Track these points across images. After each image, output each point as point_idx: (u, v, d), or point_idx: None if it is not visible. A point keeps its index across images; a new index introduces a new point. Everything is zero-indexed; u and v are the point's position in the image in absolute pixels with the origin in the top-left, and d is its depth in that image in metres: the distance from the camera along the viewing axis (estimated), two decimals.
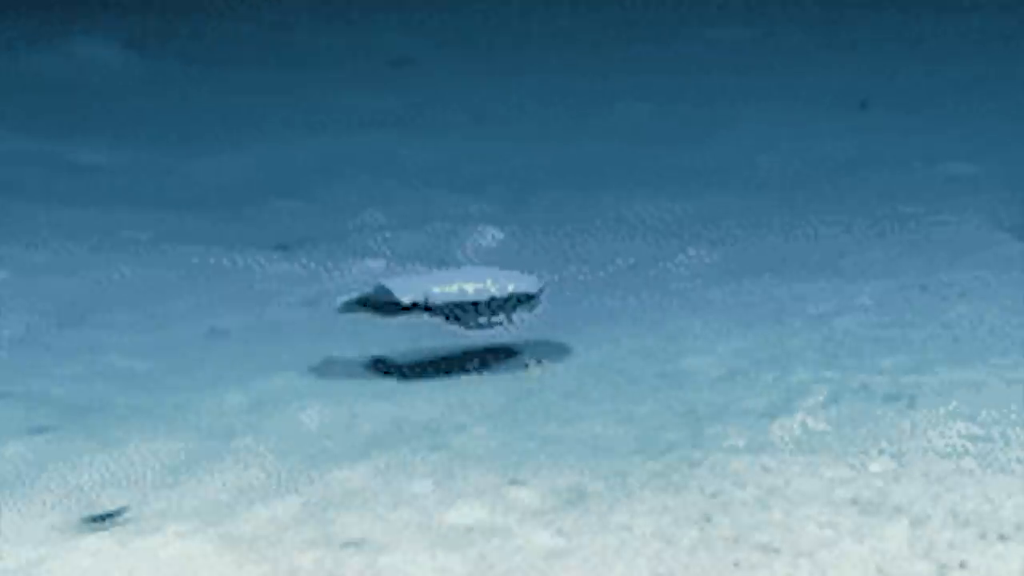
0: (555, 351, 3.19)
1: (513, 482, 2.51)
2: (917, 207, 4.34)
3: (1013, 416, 2.78)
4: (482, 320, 3.26)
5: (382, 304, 3.19)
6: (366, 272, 3.80)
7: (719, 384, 3.02)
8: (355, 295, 3.23)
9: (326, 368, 3.12)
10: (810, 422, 2.79)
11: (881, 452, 2.63)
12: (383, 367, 3.12)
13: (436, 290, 3.19)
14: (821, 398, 2.91)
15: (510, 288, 3.24)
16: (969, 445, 2.66)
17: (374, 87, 6.10)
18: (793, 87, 5.92)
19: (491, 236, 4.12)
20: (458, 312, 3.22)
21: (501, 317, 3.27)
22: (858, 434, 2.72)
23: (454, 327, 3.23)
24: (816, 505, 2.41)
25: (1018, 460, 2.58)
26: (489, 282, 3.24)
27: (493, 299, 3.22)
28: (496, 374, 3.08)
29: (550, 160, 4.99)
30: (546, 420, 2.83)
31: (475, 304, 3.22)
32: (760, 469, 2.57)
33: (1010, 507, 2.37)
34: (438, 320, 3.22)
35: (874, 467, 2.57)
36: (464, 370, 3.10)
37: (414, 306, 3.18)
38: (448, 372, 3.10)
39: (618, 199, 4.49)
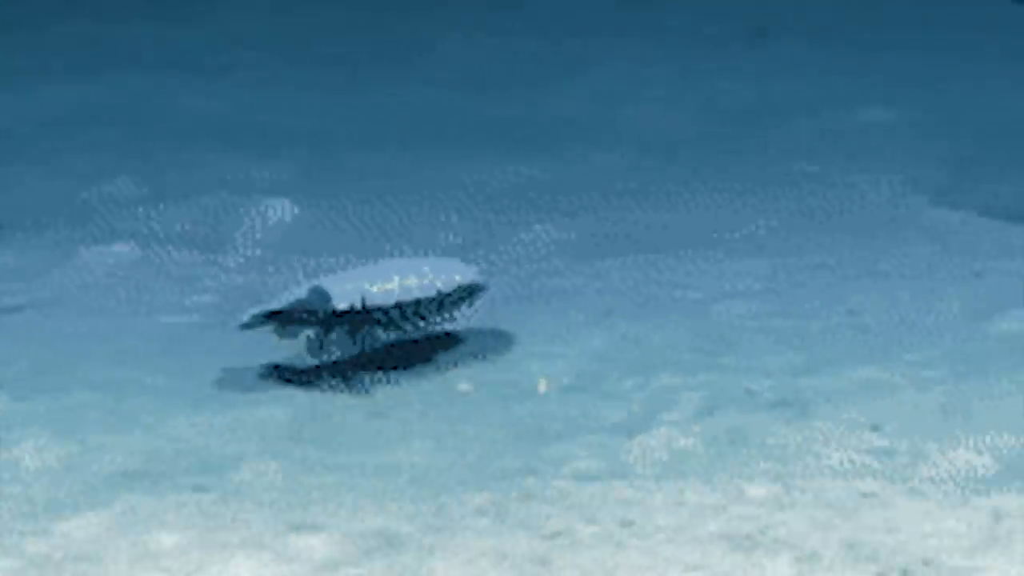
0: (354, 359, 3.22)
1: (299, 528, 2.53)
2: (821, 165, 4.48)
3: (927, 425, 2.91)
4: (429, 322, 3.27)
5: (303, 315, 3.16)
6: (111, 261, 3.78)
7: (568, 394, 3.09)
8: (268, 306, 3.17)
9: (51, 387, 3.10)
10: (677, 439, 2.87)
11: (763, 474, 2.72)
12: (134, 382, 3.11)
13: (373, 289, 3.18)
14: (692, 408, 3.00)
15: (457, 279, 3.26)
16: (871, 462, 2.77)
17: (143, 18, 6.03)
18: (669, 17, 6.04)
19: (281, 211, 4.12)
20: (397, 315, 3.22)
21: (445, 316, 3.29)
22: (736, 452, 2.82)
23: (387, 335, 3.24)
24: (681, 542, 2.49)
25: (930, 480, 2.70)
26: (429, 274, 3.25)
27: (441, 295, 3.24)
28: (286, 388, 3.10)
29: (361, 113, 5.01)
30: (346, 447, 2.86)
31: (417, 303, 3.22)
32: (613, 499, 2.64)
33: (917, 538, 2.48)
34: (365, 330, 3.23)
35: (753, 493, 2.66)
36: (243, 385, 3.11)
37: (349, 312, 3.16)
38: (223, 386, 3.10)
39: (445, 161, 4.54)
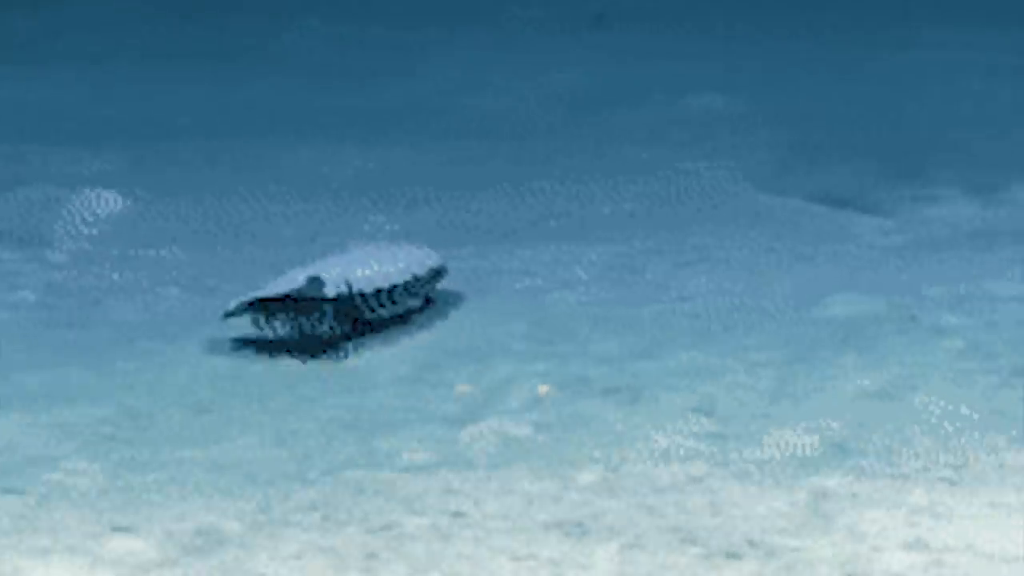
0: (178, 349, 3.17)
1: (119, 529, 2.47)
2: (658, 151, 4.51)
3: (756, 408, 2.93)
4: (400, 304, 3.32)
5: (292, 303, 3.16)
6: None
7: (401, 385, 3.06)
8: (253, 294, 3.16)
9: None
10: (510, 428, 2.86)
11: (594, 460, 2.72)
12: None
13: (358, 273, 3.25)
14: (525, 396, 2.99)
15: (428, 264, 3.39)
16: (700, 446, 2.78)
17: None
18: (510, 4, 6.04)
19: (109, 204, 4.04)
20: (377, 300, 3.26)
21: (416, 298, 3.37)
22: (568, 439, 2.81)
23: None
24: (512, 532, 2.48)
25: (757, 463, 2.71)
26: (403, 260, 3.34)
27: (416, 279, 3.35)
28: (107, 387, 3.03)
29: (194, 101, 4.94)
30: (169, 444, 2.80)
31: (395, 287, 3.31)
32: (442, 490, 2.62)
33: (741, 519, 2.50)
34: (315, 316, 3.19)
35: (584, 479, 2.66)
36: (63, 384, 3.04)
37: (336, 299, 3.21)
38: (41, 385, 3.03)
39: (280, 151, 4.48)
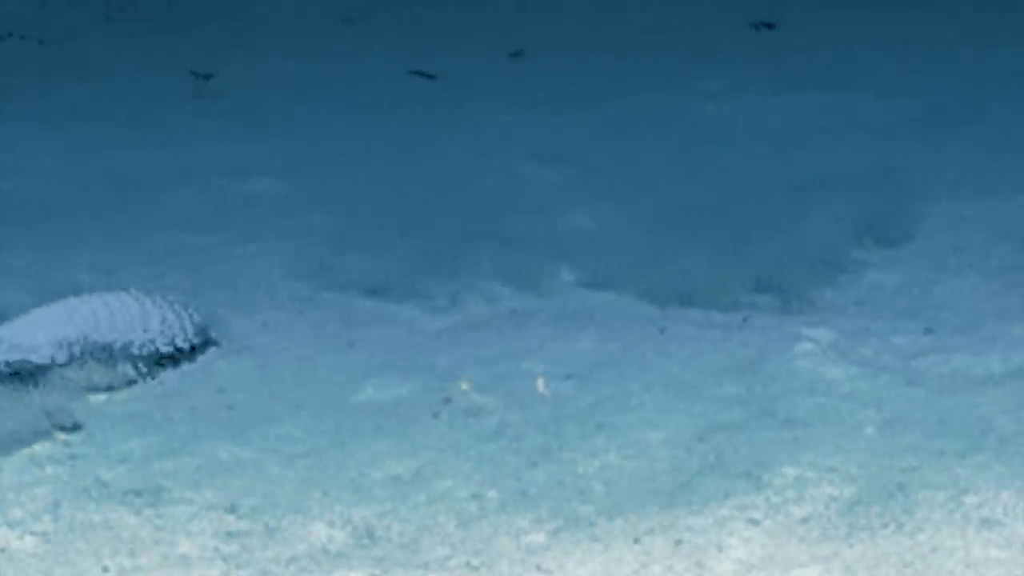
0: None
1: None
2: (212, 237, 4.41)
3: (286, 502, 2.88)
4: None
5: None
6: None
7: None
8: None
9: None
10: (11, 542, 2.71)
11: (105, 570, 2.61)
12: None
13: (77, 324, 3.11)
14: (40, 504, 2.85)
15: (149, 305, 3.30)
16: (223, 546, 2.71)
17: None
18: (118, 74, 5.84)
19: None
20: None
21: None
22: (78, 549, 2.69)
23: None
24: None
25: (280, 560, 2.66)
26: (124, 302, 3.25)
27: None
28: None
29: None
30: None
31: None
32: None
33: None
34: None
35: None
36: None
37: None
38: None
39: None
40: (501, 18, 6.53)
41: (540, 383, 3.23)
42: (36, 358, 3.18)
